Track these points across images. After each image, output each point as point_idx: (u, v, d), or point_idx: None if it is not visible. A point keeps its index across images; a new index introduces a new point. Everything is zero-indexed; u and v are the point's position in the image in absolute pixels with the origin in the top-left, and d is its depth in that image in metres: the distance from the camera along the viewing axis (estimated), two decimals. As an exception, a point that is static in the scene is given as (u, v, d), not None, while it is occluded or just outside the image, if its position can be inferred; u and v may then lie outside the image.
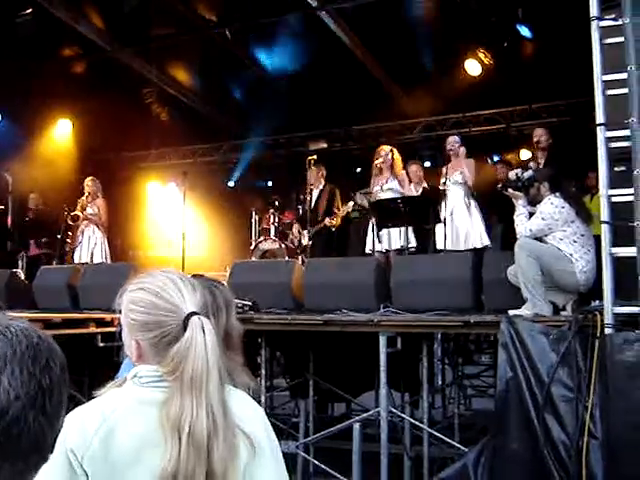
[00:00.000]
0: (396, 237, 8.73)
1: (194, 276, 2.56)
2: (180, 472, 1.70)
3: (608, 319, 4.79)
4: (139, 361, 1.92)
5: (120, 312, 1.96)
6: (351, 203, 9.78)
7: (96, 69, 12.09)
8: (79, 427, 1.78)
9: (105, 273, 8.36)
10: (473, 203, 8.64)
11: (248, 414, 1.95)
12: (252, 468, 1.87)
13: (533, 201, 6.23)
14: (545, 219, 5.87)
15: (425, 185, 9.55)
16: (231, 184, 15.21)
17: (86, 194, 10.67)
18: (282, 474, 1.98)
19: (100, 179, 11.11)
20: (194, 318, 1.85)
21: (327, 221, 10.04)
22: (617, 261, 4.87)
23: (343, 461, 6.10)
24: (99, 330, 6.59)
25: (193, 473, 1.70)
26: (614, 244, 4.87)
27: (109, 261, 10.53)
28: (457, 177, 8.64)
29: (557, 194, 6.03)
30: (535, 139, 8.57)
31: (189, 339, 1.81)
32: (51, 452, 1.19)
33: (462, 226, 8.47)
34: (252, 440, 1.86)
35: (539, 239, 5.90)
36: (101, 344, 6.54)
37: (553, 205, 5.92)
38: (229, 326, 2.39)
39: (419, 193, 9.20)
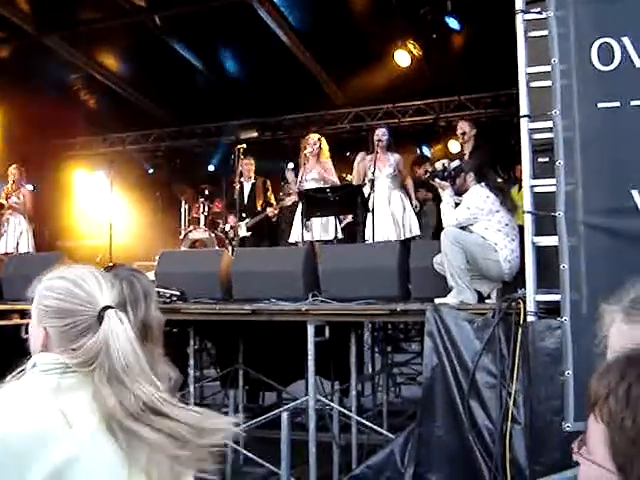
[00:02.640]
0: (322, 227, 8.75)
1: (114, 265, 2.53)
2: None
3: (531, 307, 4.89)
4: (44, 351, 1.88)
5: (32, 300, 1.92)
6: (292, 197, 9.74)
7: (21, 54, 11.78)
8: None
9: (30, 263, 8.17)
10: (397, 195, 8.69)
11: None
12: None
13: (459, 191, 6.31)
14: (470, 208, 5.96)
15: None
16: (160, 173, 15.00)
17: (10, 182, 10.43)
18: None
19: (26, 167, 10.87)
20: (111, 311, 1.83)
21: (269, 211, 10.04)
22: (540, 250, 4.98)
23: (274, 450, 6.10)
24: (23, 322, 6.45)
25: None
26: (537, 233, 4.97)
27: (34, 251, 10.31)
28: (387, 170, 8.68)
29: (482, 184, 6.13)
30: (458, 131, 8.69)
31: (107, 331, 1.80)
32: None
33: (384, 218, 8.51)
34: None
35: (464, 228, 5.99)
36: (25, 336, 6.40)
37: (478, 195, 6.02)
38: (148, 317, 2.34)
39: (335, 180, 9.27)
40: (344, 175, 10.38)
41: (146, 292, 2.38)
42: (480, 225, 5.92)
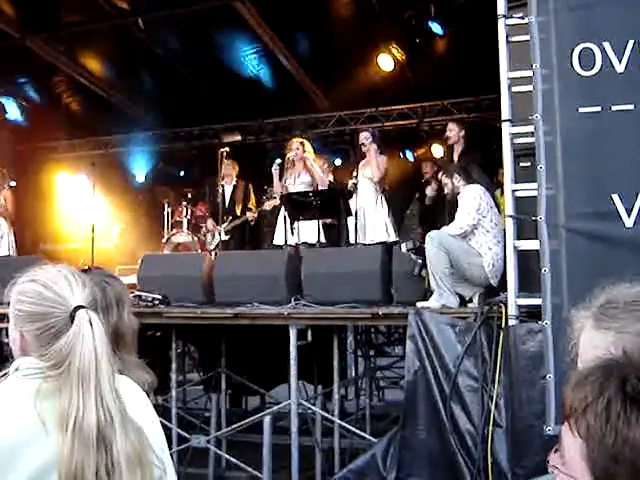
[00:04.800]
0: (305, 230, 8.72)
1: (89, 269, 2.49)
2: (63, 467, 1.66)
3: (512, 311, 4.91)
4: (22, 354, 1.88)
5: (9, 304, 1.92)
6: (273, 201, 9.72)
7: (5, 57, 11.71)
8: None
9: (12, 266, 8.10)
10: (380, 199, 8.67)
11: (132, 400, 1.94)
12: None
13: (453, 195, 6.33)
14: (470, 213, 5.93)
15: (330, 179, 9.59)
16: (142, 176, 14.93)
17: (-8, 185, 10.34)
18: (168, 456, 2.01)
19: (7, 169, 10.79)
20: (81, 311, 1.82)
21: (249, 216, 9.99)
22: (521, 254, 5.00)
23: (256, 455, 6.10)
24: (3, 325, 6.41)
25: (82, 468, 1.67)
26: (518, 237, 4.99)
27: (16, 254, 10.24)
28: (368, 172, 8.67)
29: (473, 183, 6.13)
30: (447, 133, 8.69)
31: (76, 332, 1.79)
32: None
33: (369, 221, 8.51)
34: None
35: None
36: (6, 339, 6.36)
37: (472, 195, 5.99)
38: (120, 324, 2.30)
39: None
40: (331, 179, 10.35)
41: (118, 298, 2.34)
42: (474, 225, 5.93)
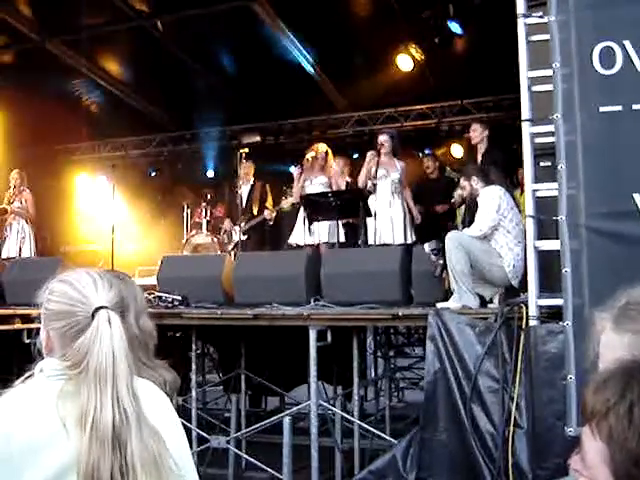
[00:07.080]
0: (326, 230, 8.73)
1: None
2: (82, 466, 1.67)
3: (533, 311, 4.88)
4: (49, 354, 1.91)
5: (39, 305, 1.96)
6: (290, 199, 9.75)
7: (25, 59, 11.80)
8: None
9: (32, 268, 8.19)
10: (398, 201, 8.64)
11: (153, 403, 1.94)
12: None
13: (472, 198, 6.31)
14: (490, 213, 5.92)
15: (348, 179, 9.61)
16: (162, 177, 14.99)
17: (12, 187, 10.43)
18: (191, 462, 2.00)
19: (29, 172, 10.87)
20: (102, 311, 1.84)
21: (267, 214, 10.00)
22: (542, 254, 4.97)
23: (276, 455, 6.09)
24: (25, 326, 6.45)
25: (98, 467, 1.68)
26: (539, 237, 4.96)
27: (36, 256, 10.31)
28: (394, 174, 8.62)
29: (492, 185, 6.10)
30: (469, 134, 8.65)
31: (94, 331, 1.81)
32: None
33: (387, 222, 8.48)
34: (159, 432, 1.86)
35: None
36: (27, 340, 6.41)
37: (491, 196, 5.97)
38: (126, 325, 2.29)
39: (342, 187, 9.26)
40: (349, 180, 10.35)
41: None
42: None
